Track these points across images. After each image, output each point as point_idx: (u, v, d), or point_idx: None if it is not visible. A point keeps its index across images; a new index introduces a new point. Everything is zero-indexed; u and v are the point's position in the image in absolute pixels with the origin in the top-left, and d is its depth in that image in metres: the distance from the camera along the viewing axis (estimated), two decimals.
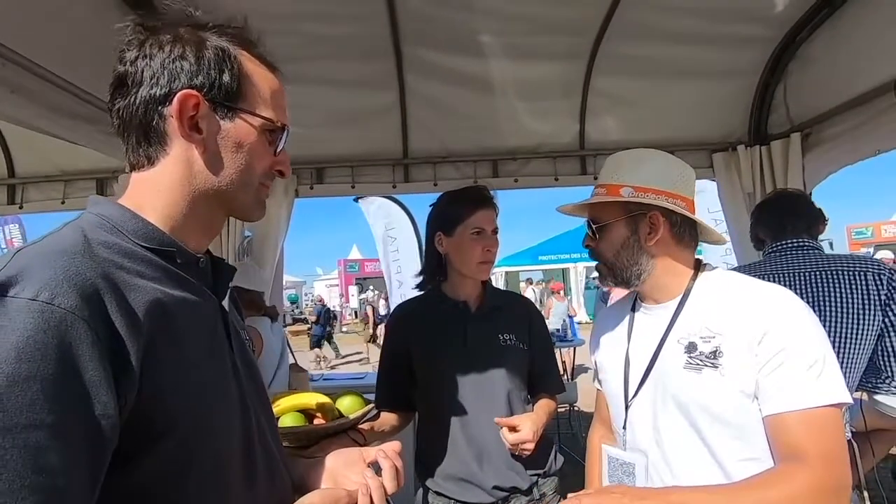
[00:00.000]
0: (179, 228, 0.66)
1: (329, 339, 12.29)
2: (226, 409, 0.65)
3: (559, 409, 4.62)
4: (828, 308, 1.53)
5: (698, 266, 1.08)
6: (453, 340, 1.39)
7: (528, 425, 1.25)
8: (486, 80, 2.56)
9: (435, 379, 1.39)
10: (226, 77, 0.65)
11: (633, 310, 1.16)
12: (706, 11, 2.19)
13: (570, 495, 0.86)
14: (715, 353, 0.94)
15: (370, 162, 2.95)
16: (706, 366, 0.94)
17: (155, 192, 0.65)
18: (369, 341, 13.36)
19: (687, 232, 1.07)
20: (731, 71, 2.60)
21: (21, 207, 3.02)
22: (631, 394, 1.08)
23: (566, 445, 4.02)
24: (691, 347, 0.98)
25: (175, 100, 0.62)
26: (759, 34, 2.42)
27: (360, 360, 11.80)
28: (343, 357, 12.10)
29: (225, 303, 0.73)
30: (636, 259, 1.06)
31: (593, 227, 1.10)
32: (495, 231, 1.44)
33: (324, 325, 12.09)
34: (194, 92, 0.63)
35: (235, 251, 2.83)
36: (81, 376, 0.48)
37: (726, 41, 2.40)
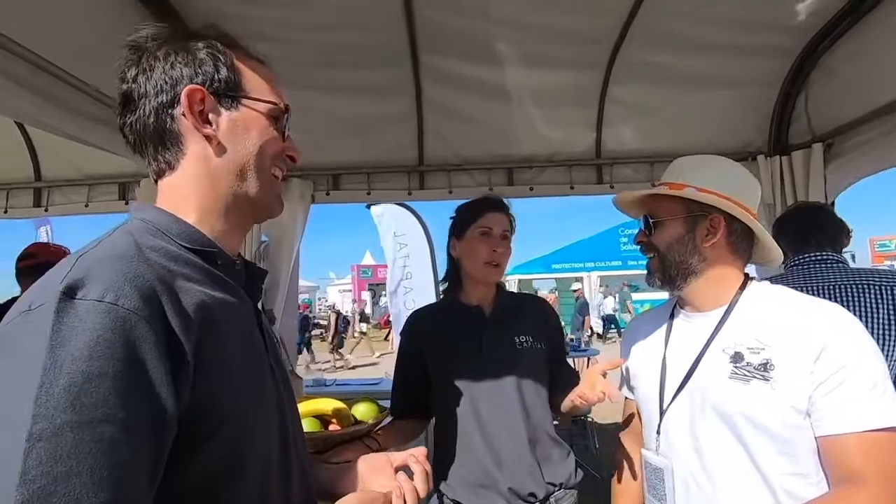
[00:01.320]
0: (214, 229, 0.69)
1: (341, 344, 12.37)
2: (265, 409, 0.68)
3: (573, 419, 4.56)
4: None
5: (746, 279, 1.07)
6: (469, 346, 1.39)
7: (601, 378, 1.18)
8: (502, 88, 2.56)
9: (451, 385, 1.39)
10: (222, 71, 0.69)
11: (672, 316, 1.15)
12: (726, 21, 2.17)
13: None
14: (765, 366, 0.93)
15: (385, 169, 2.97)
16: (755, 377, 0.93)
17: (184, 194, 0.68)
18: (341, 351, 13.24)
19: (743, 243, 1.07)
20: (751, 80, 2.57)
21: (46, 210, 3.10)
22: (667, 399, 1.06)
23: (580, 458, 3.97)
24: (737, 357, 0.97)
25: (182, 96, 0.65)
26: (780, 43, 2.39)
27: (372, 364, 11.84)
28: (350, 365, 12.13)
29: (259, 305, 0.76)
30: (687, 258, 1.05)
31: (650, 221, 1.10)
32: (505, 235, 1.45)
33: (340, 331, 12.24)
34: (197, 86, 0.66)
35: (252, 255, 2.86)
36: (146, 373, 0.50)
37: (746, 50, 2.38)
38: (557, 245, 18.62)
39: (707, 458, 0.98)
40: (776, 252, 1.08)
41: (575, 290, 10.78)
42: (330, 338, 13.00)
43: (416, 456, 0.82)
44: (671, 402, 1.05)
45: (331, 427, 1.24)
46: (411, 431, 1.54)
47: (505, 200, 1.53)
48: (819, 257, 1.58)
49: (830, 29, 2.26)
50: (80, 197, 3.06)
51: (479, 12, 2.15)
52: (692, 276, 1.05)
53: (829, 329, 0.90)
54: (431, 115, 2.78)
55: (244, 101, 0.70)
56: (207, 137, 0.67)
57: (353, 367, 11.95)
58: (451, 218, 1.55)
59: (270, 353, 0.74)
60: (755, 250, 1.11)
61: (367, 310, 22.61)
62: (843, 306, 1.49)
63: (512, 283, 16.53)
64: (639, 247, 1.16)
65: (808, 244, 1.62)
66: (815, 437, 0.88)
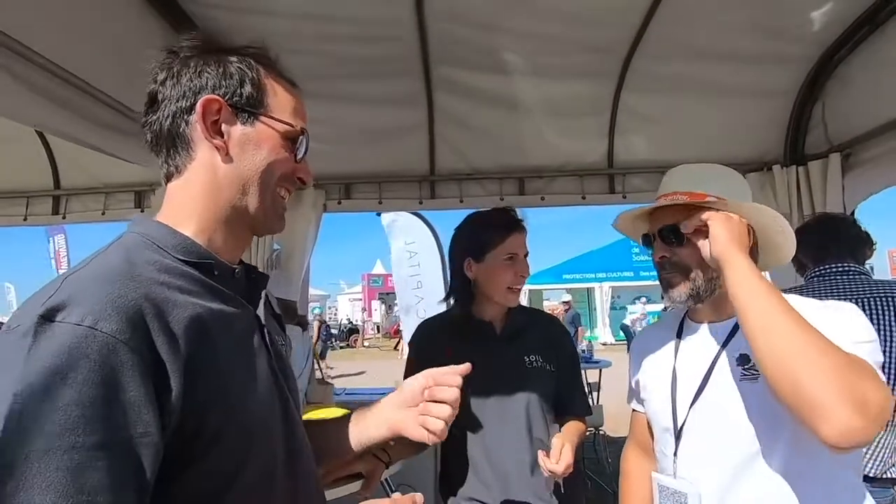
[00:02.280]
0: (213, 239, 0.69)
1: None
2: (268, 418, 0.67)
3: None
4: (880, 337, 1.45)
5: None
6: (479, 363, 1.37)
7: (567, 449, 1.18)
8: (514, 98, 2.57)
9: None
10: (247, 86, 0.70)
11: (681, 328, 1.11)
12: (740, 30, 2.16)
13: None
14: None
15: (397, 178, 2.98)
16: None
17: (187, 201, 0.69)
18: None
19: (757, 250, 1.04)
20: (766, 90, 2.55)
21: (64, 218, 3.15)
22: (681, 418, 1.02)
23: (591, 471, 3.90)
24: (744, 359, 0.95)
25: (199, 104, 0.67)
26: (796, 53, 2.37)
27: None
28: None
29: (260, 312, 0.75)
30: (716, 274, 0.99)
31: (682, 231, 1.00)
32: (527, 255, 1.42)
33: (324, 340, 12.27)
34: (216, 97, 0.68)
35: (264, 264, 2.88)
36: (123, 398, 0.49)
37: (761, 59, 2.36)
38: (569, 255, 18.52)
39: (728, 475, 0.93)
40: (784, 250, 1.06)
41: (565, 303, 10.56)
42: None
43: (417, 501, 0.79)
44: (685, 420, 1.01)
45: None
46: (419, 443, 1.52)
47: (519, 212, 1.49)
48: (841, 268, 1.55)
49: (847, 38, 2.23)
50: (97, 205, 3.12)
51: (490, 23, 2.16)
52: (719, 289, 1.00)
53: (831, 318, 0.87)
54: (443, 125, 2.80)
55: (262, 118, 0.71)
56: (216, 147, 0.68)
57: (338, 377, 11.94)
58: (456, 229, 1.50)
59: (275, 360, 0.74)
60: (763, 255, 1.08)
61: (377, 319, 22.63)
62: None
63: (522, 294, 16.46)
64: (657, 265, 1.07)
65: (829, 255, 1.58)
66: None
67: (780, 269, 2.56)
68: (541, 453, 1.20)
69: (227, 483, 0.59)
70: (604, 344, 14.35)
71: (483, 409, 1.34)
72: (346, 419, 0.91)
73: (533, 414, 1.34)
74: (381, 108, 2.67)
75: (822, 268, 1.59)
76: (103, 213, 3.11)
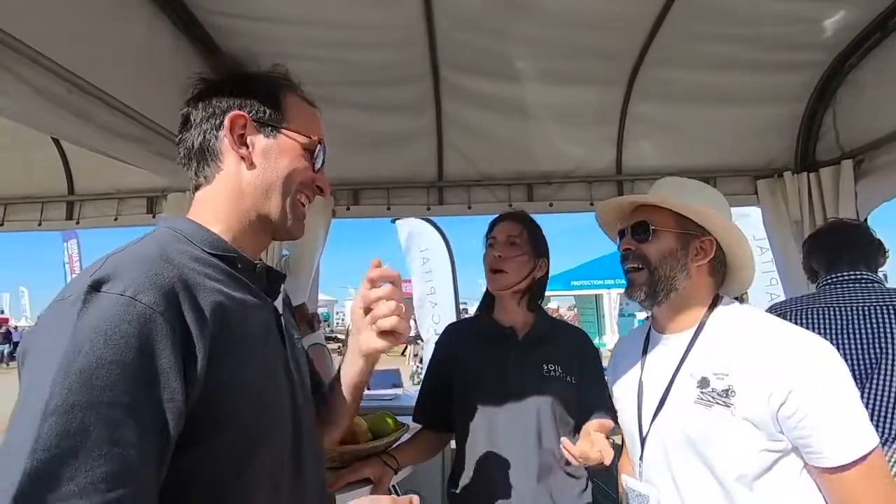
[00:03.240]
0: (237, 239, 0.76)
1: None
2: (279, 406, 0.72)
3: None
4: (890, 346, 1.42)
5: (716, 300, 1.09)
6: (495, 367, 1.37)
7: (598, 437, 1.12)
8: (523, 104, 2.58)
9: (472, 403, 1.37)
10: (269, 104, 0.78)
11: (648, 338, 1.16)
12: (750, 37, 2.15)
13: None
14: (727, 392, 0.94)
15: (405, 184, 3.00)
16: (717, 403, 0.95)
17: (214, 205, 0.76)
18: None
19: (722, 268, 1.10)
20: (776, 96, 2.54)
21: (78, 223, 3.20)
22: (646, 426, 1.07)
23: (598, 479, 3.86)
24: (704, 383, 0.98)
25: (227, 119, 0.75)
26: (806, 59, 2.35)
27: None
28: None
29: (279, 305, 0.81)
30: (675, 271, 1.05)
31: (651, 227, 1.08)
32: (512, 241, 1.42)
33: None
34: (242, 112, 0.76)
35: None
36: (156, 364, 0.55)
37: (770, 67, 2.35)
38: (577, 262, 18.44)
39: (681, 485, 1.00)
40: (744, 284, 1.12)
41: (628, 304, 10.17)
42: None
43: (414, 502, 0.81)
44: (649, 428, 1.06)
45: (348, 442, 1.23)
46: (430, 448, 1.51)
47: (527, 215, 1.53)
48: (853, 276, 1.52)
49: (858, 44, 2.22)
50: (110, 210, 3.16)
51: (499, 30, 2.17)
52: (673, 293, 1.06)
53: (796, 367, 0.90)
54: (451, 132, 2.81)
55: (283, 131, 0.78)
56: (242, 157, 0.76)
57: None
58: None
59: (290, 354, 0.79)
60: (728, 277, 1.13)
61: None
62: (879, 328, 1.45)
63: None
64: (622, 255, 1.13)
65: (842, 263, 1.55)
66: (815, 470, 0.91)
67: (793, 276, 2.55)
68: (564, 440, 1.17)
69: (232, 467, 0.62)
70: (611, 351, 14.28)
71: (494, 413, 1.34)
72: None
73: (544, 422, 1.33)
74: (390, 114, 2.68)
75: (834, 276, 1.56)
76: (116, 219, 3.15)
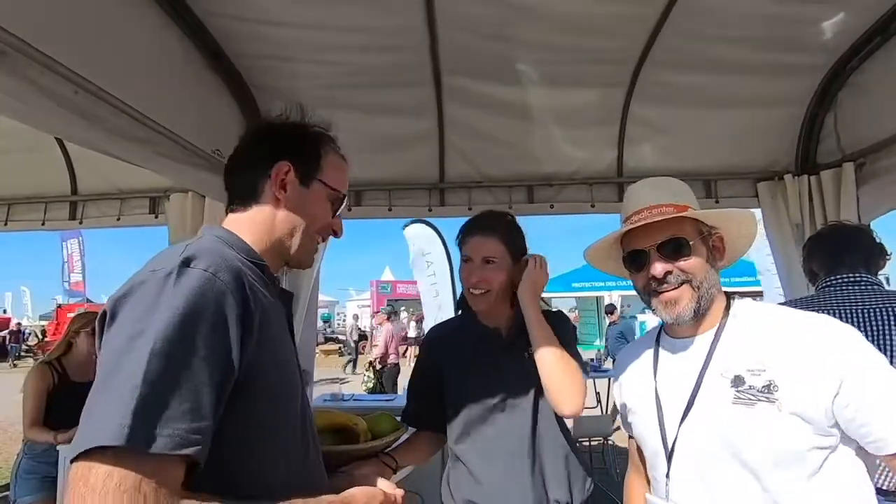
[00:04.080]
0: (262, 254, 0.89)
1: None
2: (295, 390, 0.85)
3: (592, 442, 4.43)
4: (886, 348, 1.43)
5: (728, 296, 1.04)
6: (482, 368, 1.37)
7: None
8: (524, 107, 2.59)
9: (462, 405, 1.38)
10: (312, 159, 0.92)
11: (658, 344, 1.09)
12: (750, 40, 2.16)
13: None
14: (769, 387, 0.89)
15: (407, 186, 3.01)
16: (760, 400, 0.89)
17: (247, 227, 0.89)
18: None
19: (721, 250, 1.07)
20: (777, 99, 2.54)
21: (81, 223, 3.21)
22: (670, 438, 0.99)
23: (600, 483, 3.86)
24: (738, 381, 0.92)
25: (274, 167, 0.89)
26: (807, 62, 2.36)
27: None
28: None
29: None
30: (714, 282, 1.00)
31: (688, 241, 0.99)
32: (488, 260, 1.35)
33: None
34: (288, 162, 0.89)
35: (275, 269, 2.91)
36: (228, 329, 0.69)
37: (771, 70, 2.36)
38: (577, 264, 18.42)
39: (720, 500, 0.92)
40: (739, 249, 1.09)
41: (610, 312, 9.96)
42: None
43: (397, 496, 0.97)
44: (675, 439, 0.98)
45: (348, 442, 1.23)
46: (428, 448, 1.52)
47: (518, 218, 1.47)
48: (851, 278, 1.52)
49: (859, 48, 2.22)
50: (113, 210, 3.17)
51: (500, 33, 2.18)
52: (711, 302, 1.00)
53: (840, 354, 0.87)
54: (453, 134, 2.82)
55: (317, 183, 0.92)
56: (278, 200, 0.89)
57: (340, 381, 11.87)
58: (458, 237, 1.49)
59: (296, 356, 0.93)
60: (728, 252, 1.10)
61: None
62: (877, 330, 1.45)
63: None
64: (658, 279, 1.00)
65: (842, 265, 1.55)
66: (882, 458, 0.87)
67: (794, 278, 2.56)
68: None
69: (265, 428, 0.76)
70: (615, 362, 14.22)
71: (484, 414, 1.34)
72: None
73: (534, 418, 1.33)
74: (392, 116, 2.70)
75: (833, 278, 1.57)
76: (118, 219, 3.16)
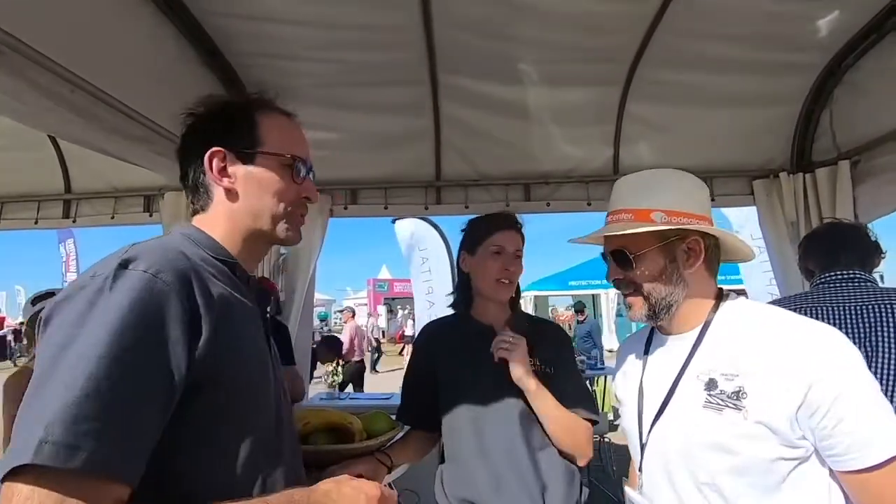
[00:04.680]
0: (235, 251, 0.85)
1: None
2: (265, 387, 0.81)
3: None
4: (880, 344, 1.44)
5: (720, 295, 1.01)
6: (477, 367, 1.37)
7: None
8: (520, 106, 2.59)
9: (457, 404, 1.38)
10: (244, 131, 0.83)
11: (650, 340, 1.09)
12: (745, 38, 2.17)
13: None
14: (738, 394, 0.86)
15: (403, 184, 3.00)
16: (727, 406, 0.87)
17: (213, 226, 0.85)
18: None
19: (716, 255, 1.02)
20: (772, 97, 2.55)
21: (74, 221, 3.19)
22: (645, 432, 1.00)
23: (595, 479, 3.88)
24: (711, 385, 0.91)
25: (205, 158, 0.82)
26: (802, 60, 2.37)
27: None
28: None
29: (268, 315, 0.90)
30: (672, 289, 0.98)
31: (630, 255, 0.99)
32: (518, 254, 1.44)
33: None
34: (218, 147, 0.82)
35: (271, 269, 2.90)
36: (169, 333, 0.65)
37: (767, 68, 2.36)
38: (574, 262, 18.46)
39: (683, 496, 0.92)
40: (745, 251, 1.03)
41: (579, 311, 9.90)
42: None
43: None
44: (649, 434, 0.99)
45: (343, 441, 1.23)
46: (423, 446, 1.52)
47: (519, 217, 1.51)
48: (845, 275, 1.53)
49: (854, 45, 2.23)
50: (107, 209, 3.16)
51: (497, 31, 2.18)
52: (674, 307, 0.99)
53: (813, 361, 0.82)
54: (449, 132, 2.81)
55: (259, 155, 0.83)
56: (226, 189, 0.83)
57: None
58: (462, 231, 1.54)
59: (272, 357, 0.87)
60: (724, 255, 1.06)
61: (382, 324, 22.61)
62: (870, 327, 1.46)
63: (528, 300, 16.40)
64: (615, 284, 1.06)
65: (837, 263, 1.56)
66: (838, 474, 0.84)
67: (789, 276, 2.57)
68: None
69: (224, 420, 0.72)
70: (610, 351, 14.24)
71: (479, 413, 1.34)
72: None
73: (528, 417, 1.34)
74: (388, 114, 2.69)
75: (827, 275, 1.57)
76: (113, 217, 3.14)
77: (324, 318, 21.36)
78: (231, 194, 0.83)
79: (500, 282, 1.41)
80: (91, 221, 3.19)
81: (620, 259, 1.01)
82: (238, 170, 0.83)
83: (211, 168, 0.82)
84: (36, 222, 3.18)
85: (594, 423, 1.39)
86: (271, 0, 1.98)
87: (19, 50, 1.33)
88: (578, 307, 9.20)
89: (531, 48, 2.27)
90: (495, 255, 1.42)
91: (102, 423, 0.57)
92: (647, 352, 1.08)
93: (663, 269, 0.98)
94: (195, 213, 0.86)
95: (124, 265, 0.66)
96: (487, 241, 1.43)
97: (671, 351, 1.01)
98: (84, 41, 1.58)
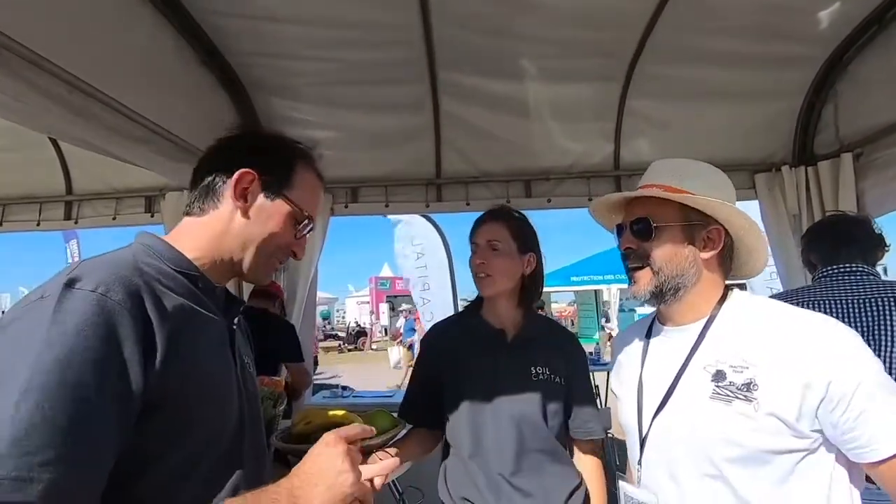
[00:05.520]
0: (207, 266, 0.84)
1: None
2: (228, 398, 0.80)
3: None
4: (883, 338, 1.43)
5: (725, 291, 1.01)
6: (484, 371, 1.37)
7: None
8: (520, 102, 2.58)
9: (459, 405, 1.37)
10: (281, 170, 0.87)
11: (650, 333, 1.08)
12: (746, 32, 2.15)
13: None
14: (749, 386, 0.86)
15: (403, 182, 3.00)
16: (737, 398, 0.86)
17: (197, 236, 0.85)
18: None
19: (730, 253, 1.02)
20: (773, 91, 2.54)
21: (76, 223, 3.20)
22: (646, 426, 0.99)
23: None
24: (719, 376, 0.90)
25: (237, 172, 0.83)
26: (803, 53, 2.36)
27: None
28: None
29: (235, 328, 0.88)
30: (684, 269, 0.96)
31: (652, 225, 0.97)
32: (493, 245, 1.39)
33: None
34: (252, 171, 0.84)
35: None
36: (121, 352, 0.63)
37: (767, 61, 2.35)
38: (577, 257, 18.39)
39: (686, 491, 0.91)
40: (758, 266, 1.04)
41: (628, 299, 9.88)
42: None
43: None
44: (649, 428, 0.98)
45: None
46: (426, 444, 1.52)
47: (513, 210, 1.49)
48: (848, 269, 1.52)
49: (856, 37, 2.22)
50: (108, 210, 3.16)
51: (496, 28, 2.17)
52: (682, 291, 0.97)
53: (827, 357, 0.82)
54: (449, 129, 2.81)
55: (282, 198, 0.86)
56: (236, 209, 0.84)
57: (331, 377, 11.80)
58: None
59: (238, 367, 0.86)
60: (736, 261, 1.05)
61: (385, 321, 22.64)
62: (873, 320, 1.45)
63: None
64: (623, 254, 1.04)
65: (839, 256, 1.55)
66: (863, 466, 0.83)
67: (791, 270, 2.56)
68: None
69: (177, 436, 0.70)
70: (612, 344, 14.23)
71: (482, 417, 1.34)
72: None
73: (529, 426, 1.33)
74: (388, 112, 2.68)
75: (829, 268, 1.57)
76: (114, 218, 3.15)
77: (326, 317, 21.41)
78: (237, 214, 0.84)
79: (477, 276, 1.40)
80: (92, 223, 3.19)
81: (641, 228, 0.99)
82: (258, 199, 0.85)
83: (237, 182, 0.83)
84: (38, 224, 3.18)
85: (598, 438, 1.42)
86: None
87: (16, 51, 1.33)
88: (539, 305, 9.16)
89: (531, 44, 2.27)
90: (473, 252, 1.42)
91: (56, 452, 0.55)
92: (647, 345, 1.07)
93: (681, 248, 0.97)
94: (188, 213, 0.87)
95: (70, 284, 0.63)
96: (472, 239, 1.44)
97: (673, 342, 1.00)
98: (83, 42, 1.58)
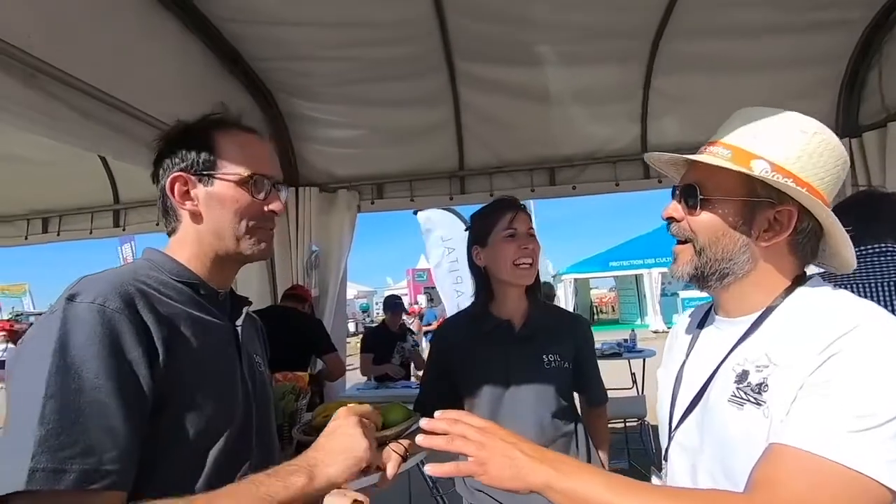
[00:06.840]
0: (205, 270, 0.88)
1: None
2: (228, 396, 0.83)
3: (628, 424, 4.39)
4: None
5: (797, 281, 0.81)
6: (496, 364, 1.38)
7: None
8: (541, 88, 2.54)
9: (474, 398, 1.39)
10: (202, 154, 0.86)
11: (704, 321, 0.96)
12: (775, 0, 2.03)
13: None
14: (761, 387, 0.74)
15: (427, 176, 3.02)
16: (748, 401, 0.76)
17: (183, 247, 0.88)
18: None
19: (809, 242, 0.81)
20: (812, 58, 2.39)
21: (124, 230, 3.42)
22: (675, 421, 0.92)
23: (636, 462, 3.82)
24: (742, 377, 0.78)
25: (166, 184, 0.85)
26: (843, 17, 2.21)
27: None
28: None
29: (239, 328, 0.92)
30: (733, 254, 0.80)
31: (699, 195, 0.81)
32: (531, 232, 1.40)
33: None
34: (179, 173, 0.85)
35: (304, 265, 3.00)
36: (126, 356, 0.69)
37: (804, 27, 2.21)
38: (615, 241, 17.93)
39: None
40: (845, 258, 0.84)
41: (670, 284, 9.17)
42: None
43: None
44: (678, 425, 0.90)
45: None
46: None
47: (544, 200, 1.52)
48: (878, 250, 1.42)
49: None
50: (153, 216, 3.35)
51: (510, 15, 2.14)
52: (730, 278, 0.81)
53: (846, 335, 0.68)
54: (470, 121, 2.80)
55: (217, 177, 0.86)
56: (190, 212, 0.86)
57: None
58: (466, 230, 1.52)
59: (245, 367, 0.89)
60: (822, 252, 0.85)
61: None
62: None
63: (568, 283, 16.13)
64: (666, 223, 0.88)
65: (867, 235, 1.45)
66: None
67: None
68: None
69: (177, 436, 0.74)
70: (655, 332, 13.83)
71: (496, 409, 1.35)
72: None
73: (546, 415, 1.34)
74: (409, 107, 2.71)
75: (858, 249, 1.47)
76: (158, 224, 3.29)
77: (365, 310, 21.82)
78: (196, 216, 0.86)
79: (519, 265, 1.37)
80: (138, 229, 3.41)
81: (689, 195, 0.83)
82: (199, 192, 0.85)
83: (173, 193, 0.84)
84: (91, 232, 3.42)
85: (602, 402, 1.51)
86: (284, 4, 2.03)
87: (50, 72, 1.44)
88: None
89: (547, 30, 2.22)
90: (509, 239, 1.38)
91: (81, 448, 0.62)
92: (696, 335, 0.95)
93: (732, 228, 0.80)
94: (169, 234, 0.90)
95: (71, 298, 0.69)
96: (497, 227, 1.39)
97: (721, 335, 0.87)
98: (116, 62, 1.69)
